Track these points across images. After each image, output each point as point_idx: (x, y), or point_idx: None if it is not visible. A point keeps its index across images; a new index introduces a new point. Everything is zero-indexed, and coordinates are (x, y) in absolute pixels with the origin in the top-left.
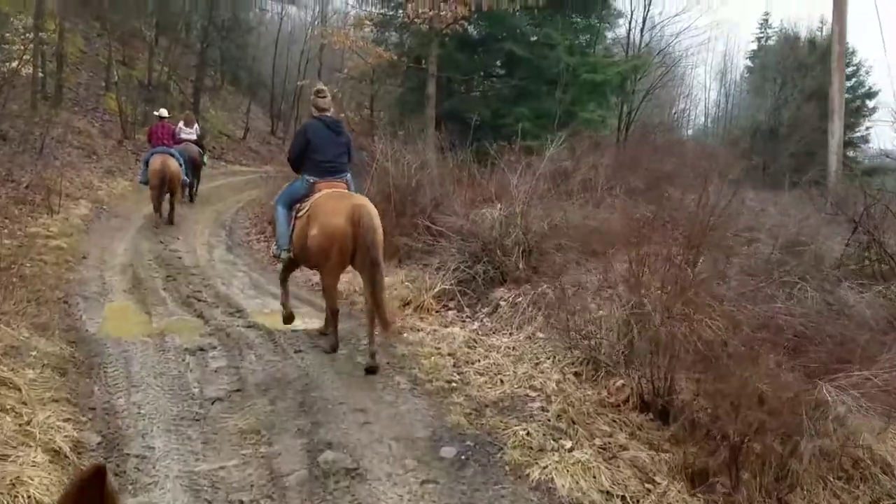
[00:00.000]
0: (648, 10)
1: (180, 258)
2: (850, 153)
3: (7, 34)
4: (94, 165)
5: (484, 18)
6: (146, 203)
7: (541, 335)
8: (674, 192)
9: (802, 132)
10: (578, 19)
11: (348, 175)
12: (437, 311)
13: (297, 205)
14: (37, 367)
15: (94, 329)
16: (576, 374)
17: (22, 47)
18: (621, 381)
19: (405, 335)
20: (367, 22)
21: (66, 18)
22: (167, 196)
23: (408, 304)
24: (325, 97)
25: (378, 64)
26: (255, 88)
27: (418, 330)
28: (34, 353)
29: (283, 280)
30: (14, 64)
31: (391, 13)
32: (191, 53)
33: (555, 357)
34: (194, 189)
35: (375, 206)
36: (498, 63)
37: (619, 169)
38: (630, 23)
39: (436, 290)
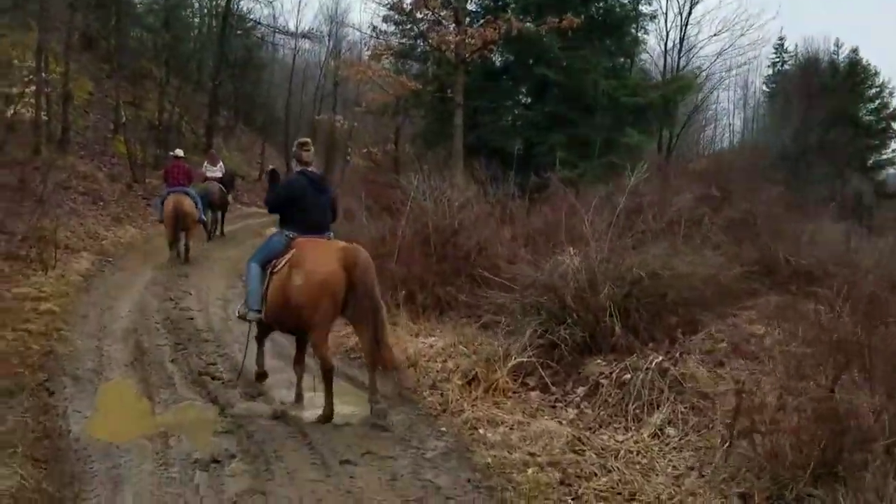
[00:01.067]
0: (685, 31)
1: (192, 319)
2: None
3: (10, 75)
4: (99, 213)
5: (512, 43)
6: (155, 253)
7: (671, 431)
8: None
9: (832, 155)
10: (610, 41)
11: (331, 234)
12: (514, 392)
13: (274, 261)
14: None
15: (78, 429)
16: (743, 497)
17: (24, 90)
18: None
19: (481, 431)
20: (386, 52)
21: (72, 59)
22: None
23: (472, 380)
24: (308, 150)
25: (400, 95)
26: (268, 127)
27: (498, 423)
28: None
29: (259, 340)
30: (12, 109)
31: (411, 42)
32: (203, 92)
33: (701, 467)
34: (217, 227)
35: (412, 251)
36: (524, 90)
37: (702, 199)
38: (665, 44)
39: (511, 362)
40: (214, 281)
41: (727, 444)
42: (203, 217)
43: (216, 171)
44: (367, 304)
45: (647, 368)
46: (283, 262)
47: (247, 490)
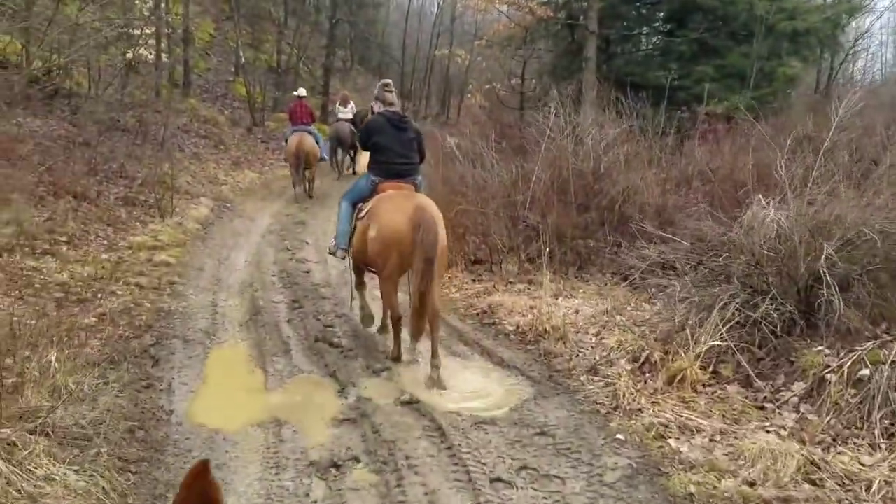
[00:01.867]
0: None
1: (308, 272)
2: None
3: (131, 17)
4: (220, 157)
5: None
6: (272, 198)
7: None
8: None
9: None
10: None
11: (417, 177)
12: (705, 385)
13: (361, 204)
14: None
15: (181, 411)
16: None
17: (146, 31)
18: None
19: (672, 443)
20: None
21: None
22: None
23: (645, 362)
24: (391, 91)
25: (527, 25)
26: (385, 67)
27: (692, 430)
28: None
29: (359, 287)
30: (131, 52)
31: None
32: (319, 33)
33: None
34: (347, 165)
35: (548, 197)
36: (661, 15)
37: None
38: None
39: (703, 347)
40: (331, 228)
41: None
42: (325, 155)
43: (347, 113)
44: (423, 267)
45: (893, 362)
46: (366, 209)
47: None
